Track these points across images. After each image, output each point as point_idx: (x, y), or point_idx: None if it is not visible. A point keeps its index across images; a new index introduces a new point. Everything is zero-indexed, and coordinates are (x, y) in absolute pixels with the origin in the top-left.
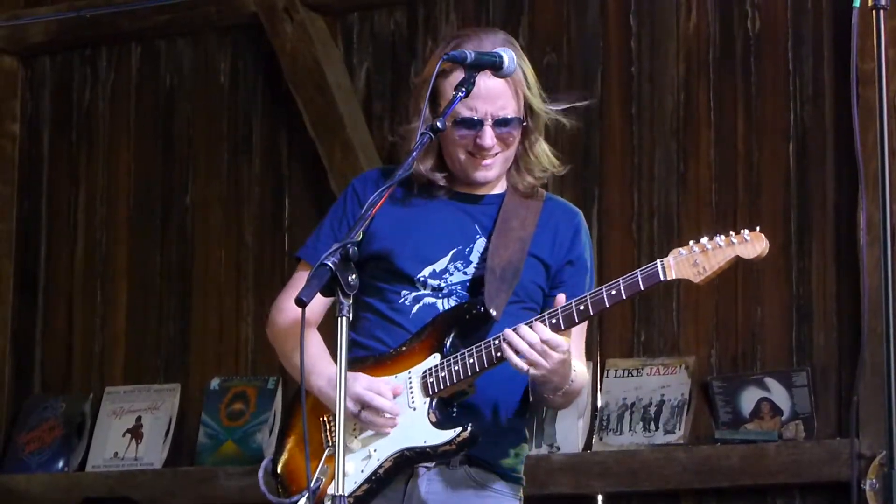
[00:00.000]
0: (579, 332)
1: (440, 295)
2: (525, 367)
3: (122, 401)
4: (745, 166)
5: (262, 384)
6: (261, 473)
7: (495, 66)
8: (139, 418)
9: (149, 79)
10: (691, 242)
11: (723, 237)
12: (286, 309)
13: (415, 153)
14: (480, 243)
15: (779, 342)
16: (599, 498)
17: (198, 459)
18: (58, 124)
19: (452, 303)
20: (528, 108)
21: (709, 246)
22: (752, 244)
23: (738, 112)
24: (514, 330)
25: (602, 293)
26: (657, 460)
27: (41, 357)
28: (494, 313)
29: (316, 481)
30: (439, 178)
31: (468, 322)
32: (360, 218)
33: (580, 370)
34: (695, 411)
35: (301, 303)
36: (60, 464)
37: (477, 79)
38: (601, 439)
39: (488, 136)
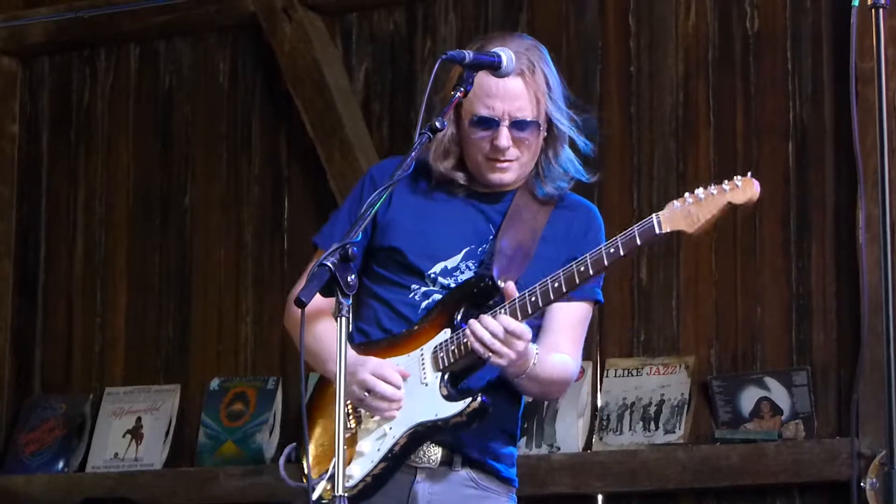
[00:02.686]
0: (571, 322)
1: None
2: (488, 354)
3: (122, 401)
4: (745, 165)
5: (261, 384)
6: (282, 461)
7: (493, 66)
8: (139, 419)
9: (148, 79)
10: (686, 194)
11: (714, 186)
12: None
13: (413, 152)
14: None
15: (778, 341)
16: (599, 498)
17: (198, 460)
18: (57, 125)
19: None
20: (549, 116)
21: (701, 195)
22: (743, 190)
23: (738, 111)
24: (478, 320)
25: (601, 251)
26: (657, 460)
27: (41, 357)
28: (502, 284)
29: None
30: (460, 177)
31: (477, 295)
32: (359, 217)
33: (557, 359)
34: (694, 411)
35: (300, 303)
36: (60, 464)
37: (496, 79)
38: (601, 439)
39: (504, 137)
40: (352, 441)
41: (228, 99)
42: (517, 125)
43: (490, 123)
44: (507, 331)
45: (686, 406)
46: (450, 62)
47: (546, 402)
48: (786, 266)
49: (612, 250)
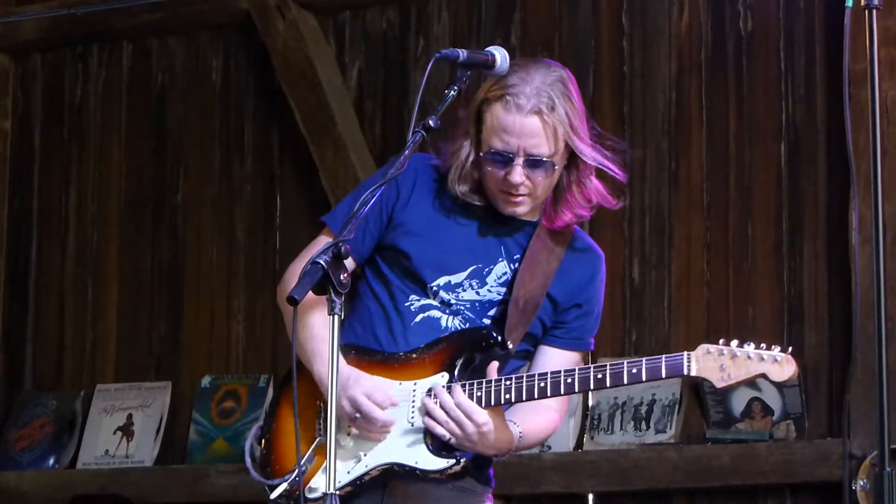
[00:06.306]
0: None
1: (447, 311)
2: (446, 435)
3: (114, 398)
4: (737, 166)
5: (253, 382)
6: (247, 445)
7: (487, 65)
8: (130, 416)
9: (140, 77)
10: (721, 342)
11: (752, 348)
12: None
13: (407, 151)
14: (500, 267)
15: (770, 342)
16: (590, 497)
17: (189, 457)
18: (49, 122)
19: (457, 322)
20: (573, 149)
21: (738, 353)
22: (781, 367)
23: (730, 111)
24: (432, 395)
25: (622, 370)
26: (648, 460)
27: (32, 354)
28: (511, 347)
29: (302, 467)
30: (477, 200)
31: (483, 349)
32: (352, 216)
33: (541, 423)
34: (686, 411)
35: (293, 301)
36: (51, 461)
37: (513, 116)
38: (592, 438)
39: (517, 174)
40: (322, 451)
41: (221, 97)
42: (531, 163)
43: (505, 158)
44: (456, 404)
45: (677, 406)
46: (443, 61)
47: None
48: (778, 267)
49: (634, 371)
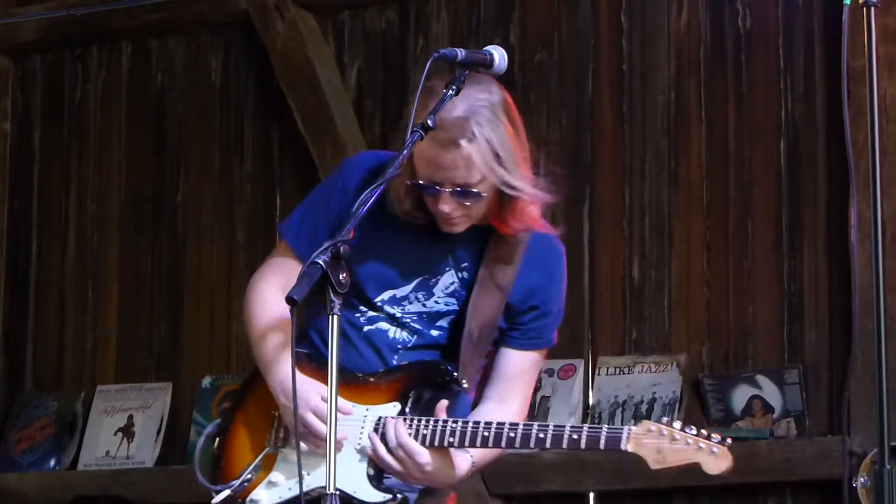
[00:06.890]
0: (523, 368)
1: (395, 324)
2: (387, 470)
3: (114, 399)
4: (736, 164)
5: None
6: (201, 441)
7: (486, 65)
8: (131, 417)
9: (140, 77)
10: (665, 420)
11: (693, 434)
12: (261, 290)
13: (405, 151)
14: (447, 277)
15: (770, 340)
16: (591, 496)
17: (189, 458)
18: (49, 122)
19: (405, 334)
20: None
21: (678, 437)
22: (717, 460)
23: (730, 110)
24: (379, 431)
25: (564, 433)
26: None
27: (32, 355)
28: (466, 386)
29: (246, 477)
30: (418, 216)
31: (438, 385)
32: (351, 216)
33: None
34: (686, 409)
35: (292, 301)
36: (52, 462)
37: (434, 149)
38: None
39: (445, 204)
40: (269, 463)
41: (221, 97)
42: (459, 193)
43: (431, 188)
44: (399, 444)
45: (677, 404)
46: (442, 60)
47: (537, 400)
48: (777, 265)
49: (574, 437)
